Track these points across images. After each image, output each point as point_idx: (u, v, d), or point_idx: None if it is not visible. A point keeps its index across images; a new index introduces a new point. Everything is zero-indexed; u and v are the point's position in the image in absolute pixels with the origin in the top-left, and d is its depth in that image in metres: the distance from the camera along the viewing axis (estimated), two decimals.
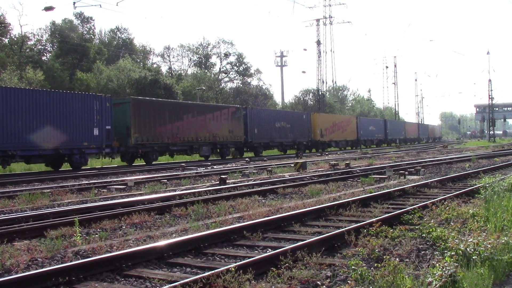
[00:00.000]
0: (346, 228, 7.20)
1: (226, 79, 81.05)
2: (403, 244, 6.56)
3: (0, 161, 21.96)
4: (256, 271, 5.35)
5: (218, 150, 35.34)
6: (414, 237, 6.90)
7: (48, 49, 61.76)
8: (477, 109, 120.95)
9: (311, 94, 79.60)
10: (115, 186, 15.19)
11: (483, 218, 7.64)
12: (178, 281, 5.05)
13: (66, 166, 25.80)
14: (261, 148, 39.89)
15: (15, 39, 55.78)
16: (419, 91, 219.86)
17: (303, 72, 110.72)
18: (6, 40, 54.02)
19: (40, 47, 60.57)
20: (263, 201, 11.60)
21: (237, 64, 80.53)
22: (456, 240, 5.87)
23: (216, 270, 5.16)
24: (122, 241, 7.31)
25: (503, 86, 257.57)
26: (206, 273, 5.14)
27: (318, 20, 73.70)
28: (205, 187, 14.09)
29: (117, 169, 24.27)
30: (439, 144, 65.68)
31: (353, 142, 56.19)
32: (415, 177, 16.92)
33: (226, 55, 78.74)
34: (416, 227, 7.39)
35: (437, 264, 5.02)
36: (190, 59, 79.78)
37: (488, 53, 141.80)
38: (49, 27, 59.44)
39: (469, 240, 5.73)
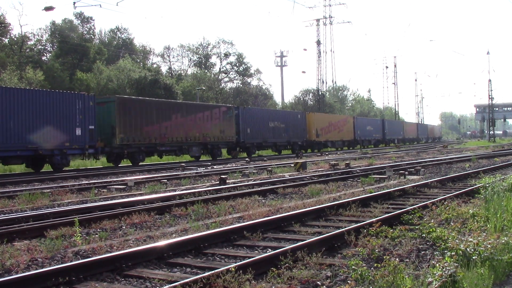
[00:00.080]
0: (346, 228, 7.20)
1: (226, 79, 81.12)
2: (403, 244, 6.56)
3: None
4: (256, 271, 5.36)
5: (209, 151, 34.33)
6: (414, 237, 6.90)
7: (48, 49, 61.74)
8: (477, 109, 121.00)
9: (311, 94, 79.69)
10: (115, 186, 15.21)
11: (483, 218, 7.64)
12: (178, 281, 5.05)
13: (47, 168, 25.01)
14: (254, 149, 38.85)
15: (15, 39, 55.75)
16: (419, 91, 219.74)
17: (303, 72, 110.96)
18: (6, 40, 53.99)
19: (40, 47, 60.52)
20: (263, 201, 11.60)
21: (237, 64, 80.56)
22: (456, 240, 5.87)
23: (216, 270, 5.16)
24: (122, 241, 7.31)
25: (503, 86, 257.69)
26: (206, 273, 5.14)
27: (318, 20, 73.86)
28: (205, 187, 14.10)
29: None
30: (439, 144, 65.62)
31: (350, 142, 55.45)
32: (415, 177, 16.92)
33: (226, 55, 78.80)
34: (416, 227, 7.39)
35: (437, 264, 5.02)
36: (190, 59, 79.87)
37: (488, 53, 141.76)
38: (49, 27, 59.45)
39: (469, 240, 5.73)
